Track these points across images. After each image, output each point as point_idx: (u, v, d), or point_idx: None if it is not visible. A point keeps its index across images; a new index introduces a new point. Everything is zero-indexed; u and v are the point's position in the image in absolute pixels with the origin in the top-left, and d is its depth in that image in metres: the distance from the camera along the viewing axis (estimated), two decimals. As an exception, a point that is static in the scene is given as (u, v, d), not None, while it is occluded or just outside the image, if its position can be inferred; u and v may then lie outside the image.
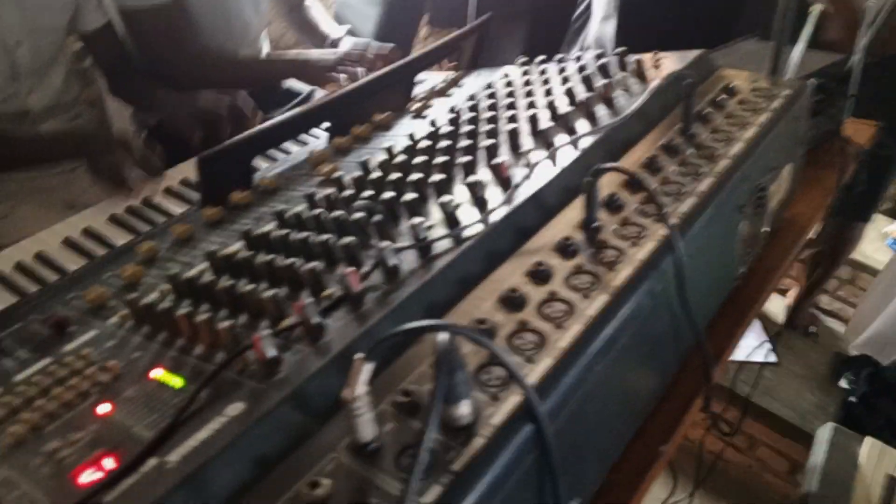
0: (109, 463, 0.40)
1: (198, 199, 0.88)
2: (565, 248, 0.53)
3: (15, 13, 1.25)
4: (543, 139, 0.68)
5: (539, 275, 0.51)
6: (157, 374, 0.47)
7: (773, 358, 1.88)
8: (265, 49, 1.78)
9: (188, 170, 1.20)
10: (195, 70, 1.48)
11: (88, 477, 0.39)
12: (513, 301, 0.48)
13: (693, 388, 0.62)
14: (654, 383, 0.59)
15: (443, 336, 0.36)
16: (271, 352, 0.44)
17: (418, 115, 0.89)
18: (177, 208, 1.06)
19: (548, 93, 0.79)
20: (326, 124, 0.93)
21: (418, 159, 0.69)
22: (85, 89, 1.50)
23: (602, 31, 1.68)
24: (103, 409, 0.45)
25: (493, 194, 0.60)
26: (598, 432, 0.49)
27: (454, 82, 0.98)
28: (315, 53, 1.50)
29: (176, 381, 0.46)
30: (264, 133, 0.87)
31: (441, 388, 0.35)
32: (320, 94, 1.78)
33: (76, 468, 0.40)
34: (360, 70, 1.43)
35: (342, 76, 1.43)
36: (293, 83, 1.82)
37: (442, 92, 0.96)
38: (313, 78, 1.48)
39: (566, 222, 0.57)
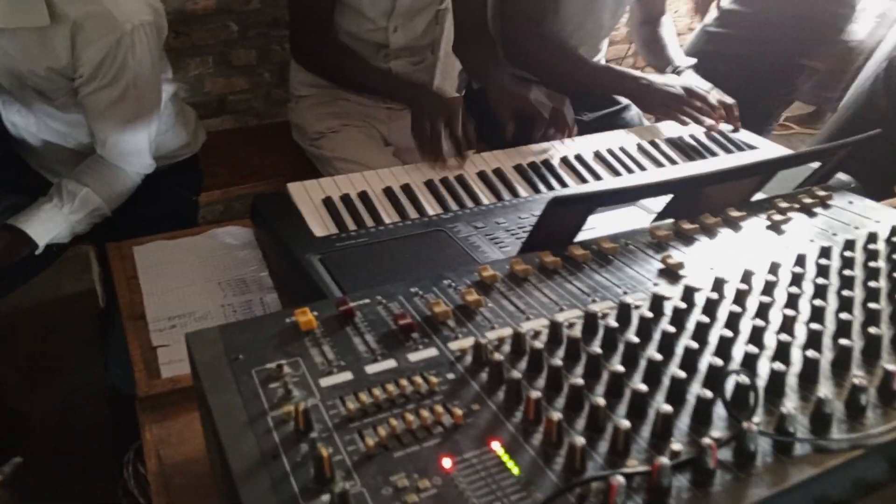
0: (451, 537, 0.43)
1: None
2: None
3: None
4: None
5: (908, 539, 0.46)
6: (497, 447, 0.50)
7: None
8: (603, 52, 1.76)
9: (499, 160, 1.24)
10: (542, 53, 1.50)
11: (430, 540, 0.43)
12: (873, 560, 0.44)
13: None
14: None
15: None
16: (620, 501, 0.44)
17: (775, 227, 0.83)
18: (485, 198, 1.11)
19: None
20: (669, 197, 0.90)
21: (780, 307, 0.65)
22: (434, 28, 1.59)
23: None
24: (447, 462, 0.49)
25: (870, 400, 0.54)
26: None
27: (821, 201, 0.89)
28: (659, 80, 1.46)
29: (514, 468, 0.48)
30: (614, 192, 0.86)
31: None
32: (635, 111, 1.74)
33: (421, 525, 0.44)
34: (703, 117, 1.37)
35: (681, 114, 1.38)
36: (614, 89, 1.79)
37: (806, 208, 0.88)
38: (652, 103, 1.44)
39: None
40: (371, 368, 0.58)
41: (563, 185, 1.18)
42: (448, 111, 1.21)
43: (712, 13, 2.03)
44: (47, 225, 1.13)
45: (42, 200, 1.14)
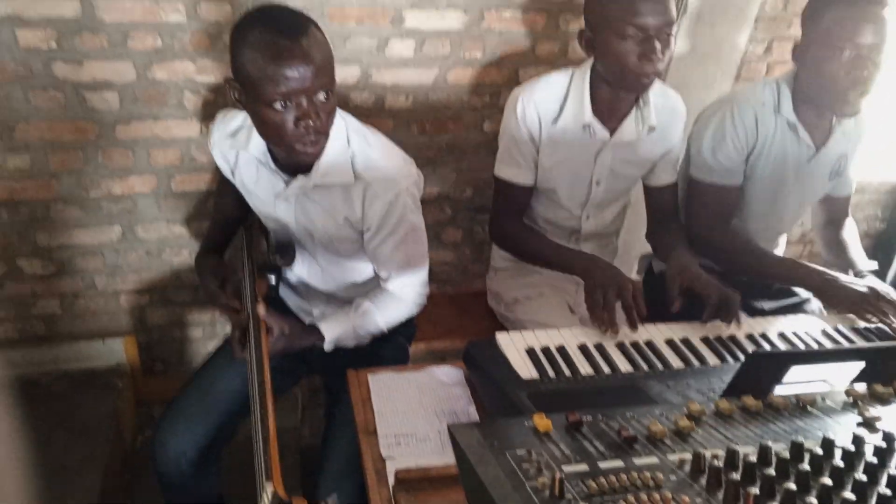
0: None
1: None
2: None
3: (610, 160, 1.57)
4: None
5: None
6: (722, 530, 0.60)
7: None
8: (781, 247, 1.86)
9: (685, 331, 1.33)
10: (729, 245, 1.62)
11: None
12: None
13: None
14: None
15: None
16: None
17: (975, 401, 0.87)
18: (674, 363, 1.21)
19: None
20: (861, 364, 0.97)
21: None
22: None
23: None
24: (679, 534, 0.59)
25: None
26: None
27: None
28: (843, 277, 1.51)
29: (739, 547, 0.57)
30: (812, 353, 0.96)
31: None
32: (816, 304, 1.78)
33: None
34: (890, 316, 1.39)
35: (869, 314, 1.41)
36: (792, 283, 1.85)
37: None
38: (838, 300, 1.47)
39: None
40: (603, 464, 0.71)
41: (750, 357, 1.27)
42: (619, 282, 1.33)
43: None
44: (334, 324, 1.39)
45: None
